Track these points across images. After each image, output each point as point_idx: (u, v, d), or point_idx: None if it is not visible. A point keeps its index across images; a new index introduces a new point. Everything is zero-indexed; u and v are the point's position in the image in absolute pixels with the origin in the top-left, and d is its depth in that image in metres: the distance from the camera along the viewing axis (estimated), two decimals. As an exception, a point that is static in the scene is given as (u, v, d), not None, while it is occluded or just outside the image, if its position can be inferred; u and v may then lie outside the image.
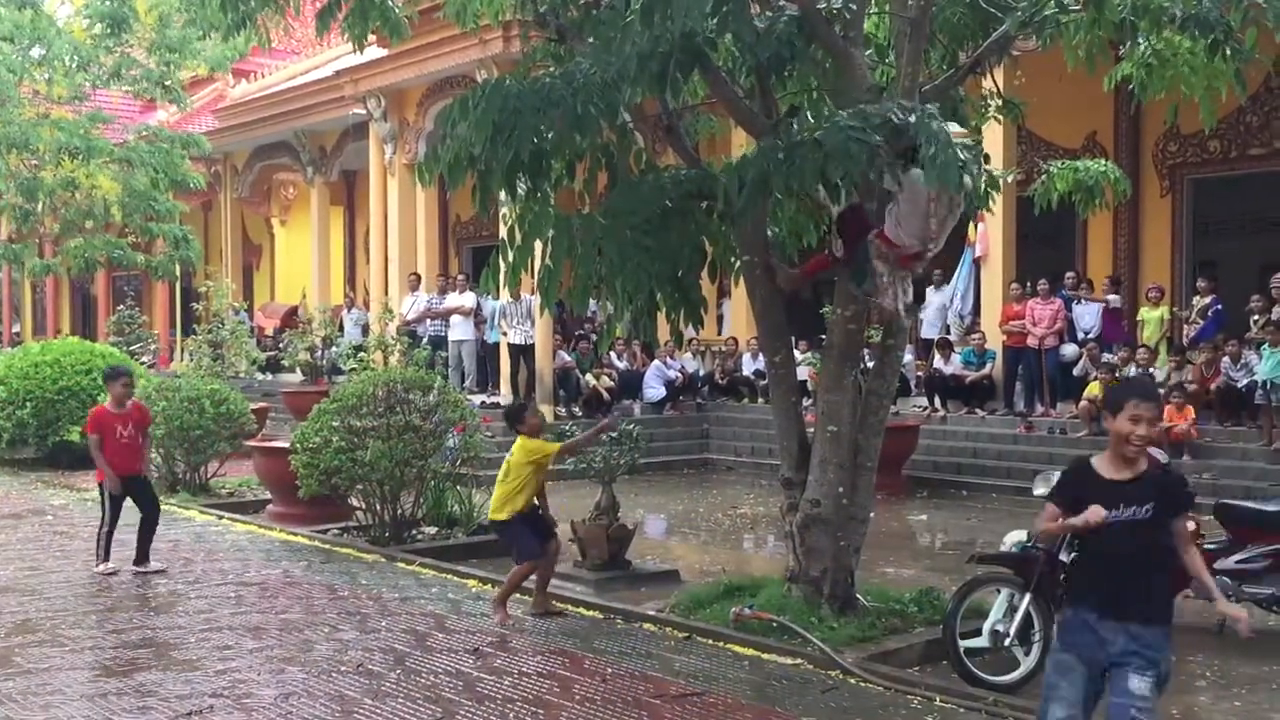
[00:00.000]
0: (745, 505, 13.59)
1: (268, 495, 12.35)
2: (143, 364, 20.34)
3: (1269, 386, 12.41)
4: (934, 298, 16.73)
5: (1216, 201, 16.26)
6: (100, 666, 6.68)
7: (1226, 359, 13.26)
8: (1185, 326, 14.46)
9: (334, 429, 10.22)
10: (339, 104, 20.55)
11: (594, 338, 17.58)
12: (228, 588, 8.75)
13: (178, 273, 23.19)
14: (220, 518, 11.81)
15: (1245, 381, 12.96)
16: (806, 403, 11.17)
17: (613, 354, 17.73)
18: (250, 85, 26.11)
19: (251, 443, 12.95)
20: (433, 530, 10.73)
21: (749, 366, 17.70)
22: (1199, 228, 16.34)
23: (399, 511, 10.41)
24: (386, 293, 20.03)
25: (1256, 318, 13.12)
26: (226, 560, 9.72)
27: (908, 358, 15.27)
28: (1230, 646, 7.44)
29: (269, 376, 22.12)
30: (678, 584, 9.02)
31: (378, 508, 10.39)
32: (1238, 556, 7.58)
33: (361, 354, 17.17)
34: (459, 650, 7.00)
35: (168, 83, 21.05)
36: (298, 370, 20.18)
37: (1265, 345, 12.50)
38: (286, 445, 11.17)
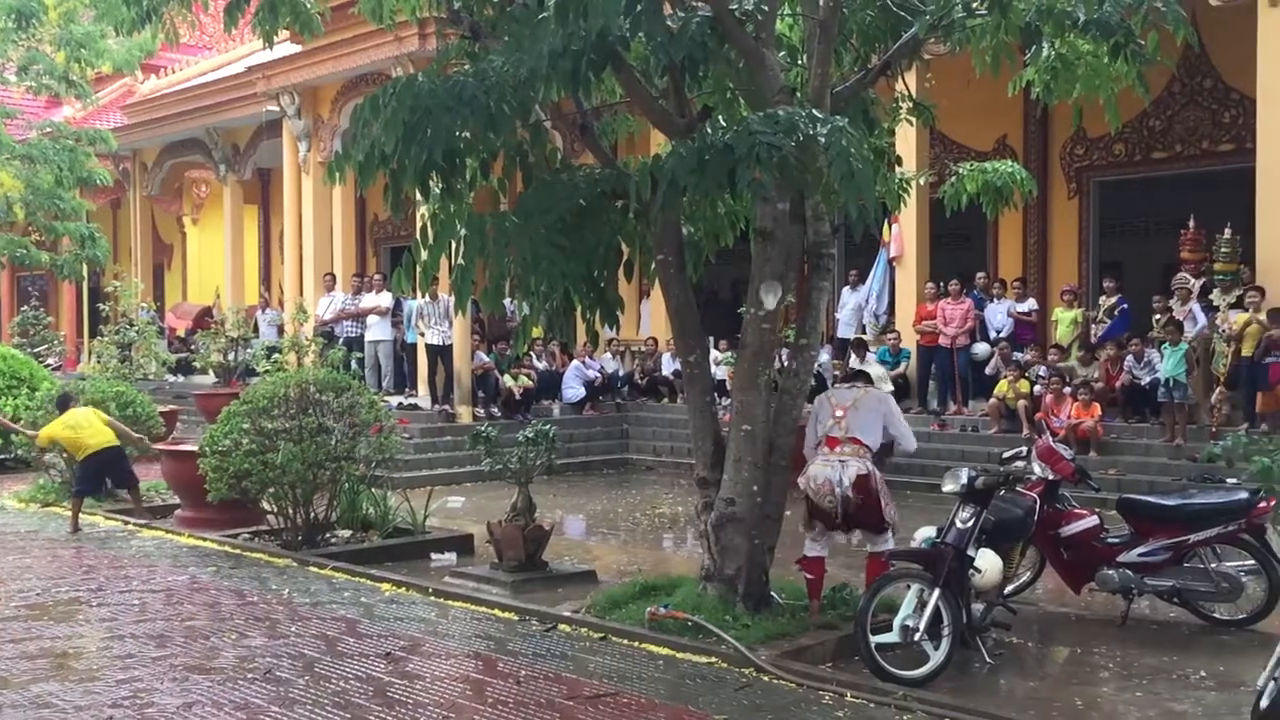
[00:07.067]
0: (664, 505, 13.61)
1: (176, 500, 12.11)
2: (48, 366, 19.79)
3: (1171, 384, 12.76)
4: (850, 298, 16.93)
5: (1121, 203, 16.67)
6: (-5, 678, 6.47)
7: (1130, 357, 13.61)
8: (1093, 326, 14.81)
9: (244, 431, 10.03)
10: (252, 100, 20.16)
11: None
12: (131, 595, 8.52)
13: (85, 272, 22.54)
14: (126, 523, 11.51)
15: (1148, 379, 13.31)
16: (725, 402, 11.24)
17: (532, 354, 17.65)
18: (160, 81, 25.51)
19: (159, 446, 12.66)
20: (347, 534, 10.57)
21: (668, 366, 17.74)
22: (1105, 229, 16.74)
23: (312, 515, 10.25)
24: (301, 293, 19.72)
25: (1158, 317, 13.48)
26: (131, 567, 9.48)
27: (824, 357, 15.42)
28: (1132, 638, 7.63)
29: (180, 379, 21.65)
30: (595, 584, 9.01)
31: (290, 511, 10.21)
32: (1140, 550, 7.77)
33: (276, 355, 16.88)
34: (371, 655, 6.90)
35: (73, 78, 20.49)
36: (210, 372, 19.77)
37: (1166, 344, 12.85)
38: (195, 448, 10.95)
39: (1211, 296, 13.21)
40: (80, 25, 19.70)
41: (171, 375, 21.48)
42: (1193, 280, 13.39)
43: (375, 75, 17.22)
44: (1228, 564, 7.79)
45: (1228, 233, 13.14)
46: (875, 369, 7.91)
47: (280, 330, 20.32)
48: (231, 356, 19.03)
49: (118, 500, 12.61)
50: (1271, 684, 5.56)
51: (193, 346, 21.04)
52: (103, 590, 8.69)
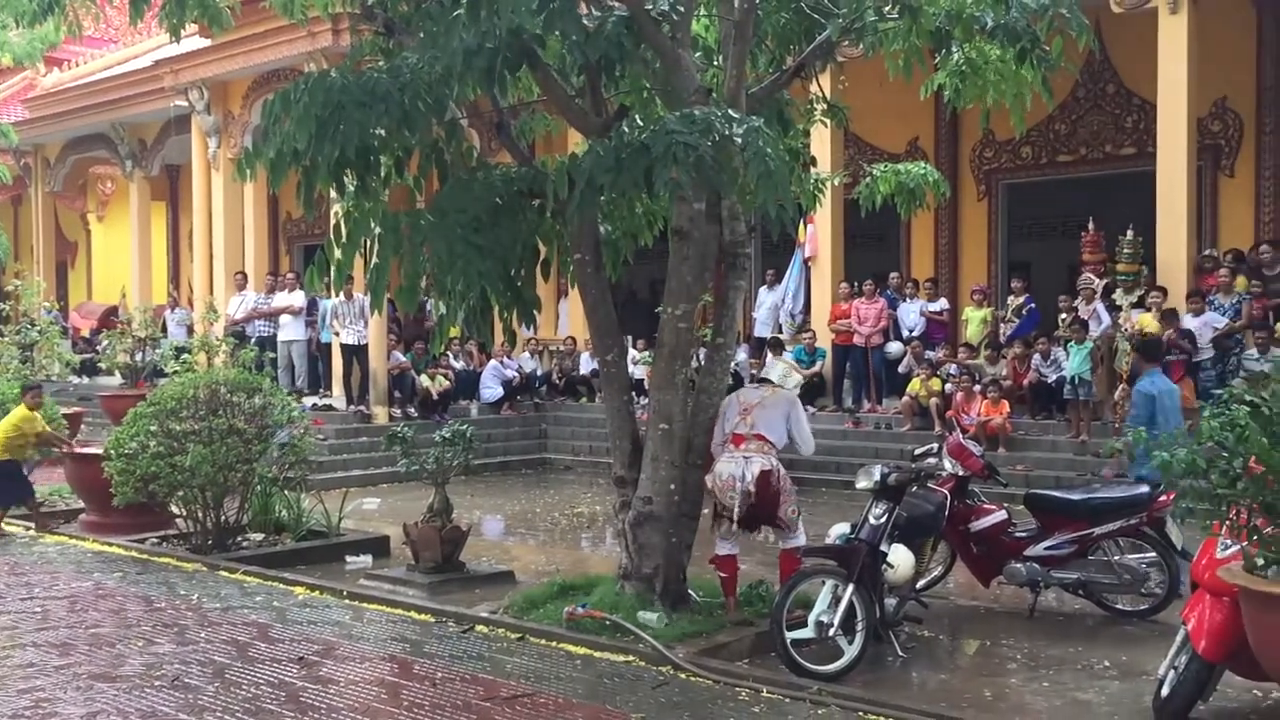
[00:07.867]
0: (583, 504, 13.60)
1: (81, 504, 11.77)
2: (-56, 368, 19.11)
3: (1076, 382, 13.10)
4: (766, 297, 17.09)
5: (1029, 205, 17.08)
6: (-112, 691, 6.23)
7: (1037, 356, 13.94)
8: (1002, 325, 15.13)
9: (151, 433, 9.80)
10: (159, 95, 19.69)
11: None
12: (33, 603, 8.28)
13: (-17, 270, 21.89)
14: (28, 529, 11.18)
15: (1055, 377, 13.65)
16: (643, 401, 11.26)
17: (449, 354, 17.51)
18: (63, 74, 24.80)
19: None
20: (259, 537, 10.38)
21: (587, 366, 17.72)
22: (1014, 230, 17.13)
23: (222, 518, 10.05)
24: (212, 292, 19.32)
25: (1064, 316, 13.82)
26: (33, 574, 9.21)
27: (741, 356, 15.54)
28: (1040, 629, 7.81)
29: (85, 380, 21.08)
30: (513, 585, 8.96)
31: (199, 515, 10.00)
32: (1046, 543, 7.95)
33: (185, 355, 16.51)
34: (283, 660, 6.79)
35: (-30, 70, 19.86)
36: (116, 373, 19.27)
37: (1072, 343, 13.18)
38: (100, 451, 10.66)
39: (1114, 296, 13.59)
40: (-22, 16, 19.07)
41: (76, 376, 20.89)
42: (1097, 280, 13.75)
43: (288, 71, 16.95)
44: (1130, 557, 8.01)
45: (1130, 234, 13.52)
46: (777, 369, 7.97)
47: (190, 330, 19.88)
48: (138, 357, 18.56)
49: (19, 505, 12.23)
50: (1172, 673, 5.75)
51: (98, 347, 20.47)
52: (2, 598, 8.41)
